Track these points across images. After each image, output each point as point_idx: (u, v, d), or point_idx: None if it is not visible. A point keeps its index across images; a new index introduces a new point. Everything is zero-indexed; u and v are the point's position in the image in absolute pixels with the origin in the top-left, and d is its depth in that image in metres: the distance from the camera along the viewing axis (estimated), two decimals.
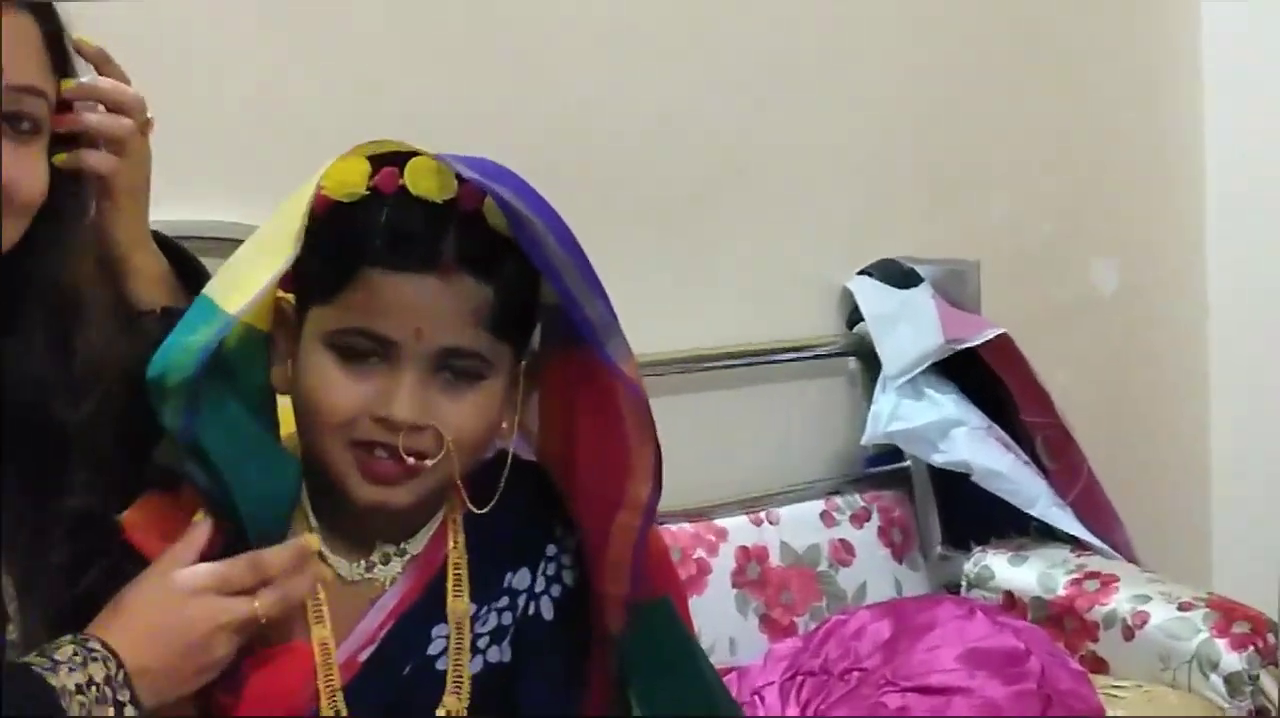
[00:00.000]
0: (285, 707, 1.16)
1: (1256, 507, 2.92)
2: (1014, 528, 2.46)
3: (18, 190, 1.10)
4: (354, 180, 1.15)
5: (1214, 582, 2.85)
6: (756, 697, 2.07)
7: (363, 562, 1.22)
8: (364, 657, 1.20)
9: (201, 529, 1.15)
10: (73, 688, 1.04)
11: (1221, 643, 2.13)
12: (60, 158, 1.16)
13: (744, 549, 2.26)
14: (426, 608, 1.21)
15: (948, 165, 2.70)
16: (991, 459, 2.39)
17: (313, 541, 1.17)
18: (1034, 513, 2.41)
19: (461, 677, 1.21)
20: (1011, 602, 2.35)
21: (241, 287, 1.14)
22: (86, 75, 1.21)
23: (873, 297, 2.49)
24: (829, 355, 2.53)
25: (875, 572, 2.37)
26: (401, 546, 1.23)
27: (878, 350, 2.44)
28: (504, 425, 1.22)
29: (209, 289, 1.16)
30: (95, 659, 1.07)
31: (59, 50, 1.15)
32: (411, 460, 1.15)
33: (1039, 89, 2.81)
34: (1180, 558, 2.86)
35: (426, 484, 1.17)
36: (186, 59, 1.86)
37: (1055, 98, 2.83)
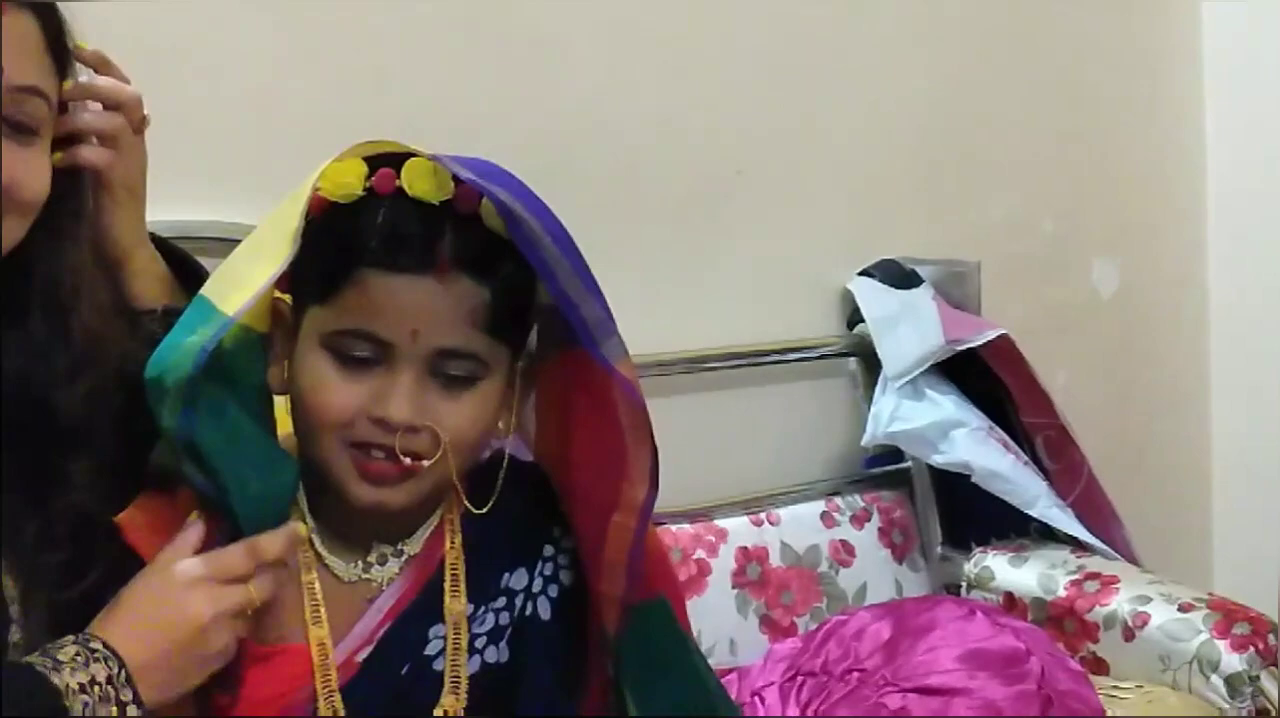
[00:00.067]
0: (283, 707, 1.17)
1: (1257, 508, 2.92)
2: (1014, 529, 2.46)
3: (19, 190, 1.10)
4: (351, 181, 1.15)
5: (1215, 583, 2.85)
6: (756, 697, 2.07)
7: (360, 562, 1.22)
8: (361, 657, 1.20)
9: (195, 530, 1.16)
10: (76, 688, 1.04)
11: (1222, 644, 2.12)
12: (57, 157, 1.16)
13: (744, 550, 2.26)
14: (424, 608, 1.21)
15: (948, 166, 2.70)
16: (992, 460, 2.39)
17: (301, 527, 1.18)
18: (1034, 514, 2.40)
19: (459, 677, 1.21)
20: (1012, 603, 2.34)
21: (239, 287, 1.13)
22: (85, 76, 1.21)
23: (873, 297, 2.49)
24: (829, 356, 2.52)
25: (875, 572, 2.37)
26: (399, 546, 1.23)
27: (878, 351, 2.43)
28: (501, 426, 1.22)
29: (207, 290, 1.16)
30: (98, 659, 1.07)
31: (60, 51, 1.15)
32: (408, 461, 1.15)
33: (1039, 89, 2.81)
34: (1181, 559, 2.85)
35: (423, 485, 1.17)
36: (185, 59, 1.86)
37: (1055, 98, 2.83)
